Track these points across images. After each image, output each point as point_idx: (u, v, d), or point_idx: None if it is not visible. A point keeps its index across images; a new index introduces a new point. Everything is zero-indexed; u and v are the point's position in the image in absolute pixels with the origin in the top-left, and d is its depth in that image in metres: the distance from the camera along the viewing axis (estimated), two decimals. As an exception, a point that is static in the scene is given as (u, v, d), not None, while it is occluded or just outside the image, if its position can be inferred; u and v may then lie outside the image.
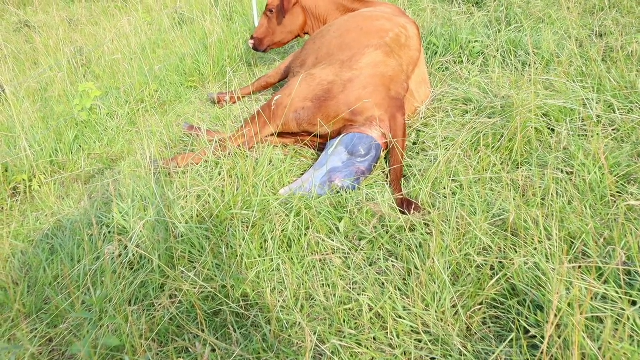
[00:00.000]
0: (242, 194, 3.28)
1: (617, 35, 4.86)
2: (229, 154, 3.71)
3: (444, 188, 3.25)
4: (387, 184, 3.48)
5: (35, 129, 4.77)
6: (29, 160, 4.34)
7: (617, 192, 3.07)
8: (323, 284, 2.77)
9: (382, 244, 2.93)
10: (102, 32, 7.97)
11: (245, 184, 3.35)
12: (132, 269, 3.04)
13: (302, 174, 3.72)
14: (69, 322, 2.73)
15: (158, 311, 2.72)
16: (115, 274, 2.93)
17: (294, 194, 3.33)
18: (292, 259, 2.93)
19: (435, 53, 5.07)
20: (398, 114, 3.71)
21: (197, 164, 3.81)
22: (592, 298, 2.35)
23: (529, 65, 4.55)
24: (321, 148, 3.94)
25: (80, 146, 4.71)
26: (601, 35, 5.15)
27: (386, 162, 3.67)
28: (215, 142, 3.81)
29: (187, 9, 7.78)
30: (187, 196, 3.30)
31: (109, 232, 3.28)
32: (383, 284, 2.70)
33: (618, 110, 3.64)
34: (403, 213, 3.12)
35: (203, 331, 2.57)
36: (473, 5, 6.31)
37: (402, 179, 3.48)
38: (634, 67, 4.29)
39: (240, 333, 2.58)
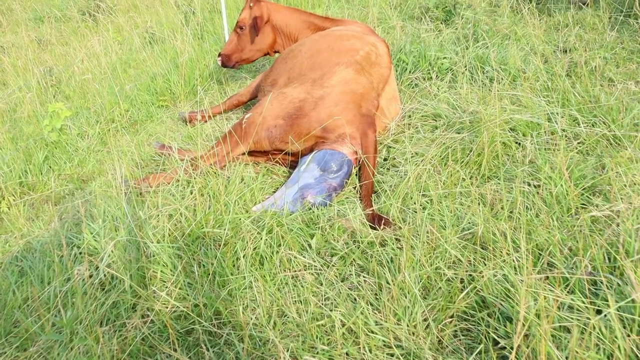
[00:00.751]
0: (214, 212, 3.28)
1: (581, 51, 4.98)
2: (201, 173, 3.71)
3: (414, 203, 3.29)
4: (358, 199, 3.51)
5: (4, 150, 4.72)
6: (-2, 182, 4.30)
7: (582, 205, 3.13)
8: (295, 301, 2.77)
9: (353, 259, 2.96)
10: (72, 51, 7.94)
11: (217, 202, 3.35)
12: (103, 289, 3.02)
13: (275, 192, 3.73)
14: (38, 345, 2.70)
15: (130, 331, 2.70)
16: (86, 295, 2.90)
17: (266, 211, 3.34)
18: (264, 276, 2.94)
19: (405, 70, 5.14)
20: (369, 131, 3.75)
21: (169, 184, 3.80)
22: (558, 308, 2.39)
23: (496, 81, 4.63)
24: (293, 165, 3.96)
25: (50, 167, 4.68)
26: (565, 51, 5.28)
27: (357, 178, 3.70)
28: (187, 161, 3.81)
29: (157, 28, 7.80)
30: (158, 215, 3.30)
31: (80, 253, 3.25)
32: (355, 299, 2.71)
33: (582, 124, 3.72)
34: (374, 228, 3.14)
35: (175, 350, 2.56)
36: (441, 23, 6.42)
37: (373, 195, 3.51)
38: (597, 81, 4.39)
39: (213, 352, 2.58)
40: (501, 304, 2.44)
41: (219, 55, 5.27)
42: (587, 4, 6.16)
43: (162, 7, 8.88)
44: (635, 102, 3.96)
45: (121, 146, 4.79)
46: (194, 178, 3.63)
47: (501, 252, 2.69)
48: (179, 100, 5.82)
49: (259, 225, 3.23)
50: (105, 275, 2.99)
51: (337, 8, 7.98)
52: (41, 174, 4.55)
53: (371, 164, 3.60)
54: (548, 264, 2.69)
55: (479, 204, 3.18)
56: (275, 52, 5.32)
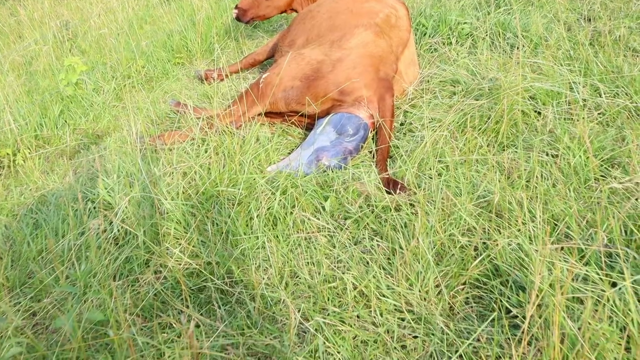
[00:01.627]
0: (228, 171, 3.28)
1: (605, 20, 4.86)
2: (216, 132, 3.70)
3: (430, 169, 3.26)
4: (374, 163, 3.49)
5: (20, 103, 4.72)
6: (13, 135, 4.30)
7: (601, 176, 3.09)
8: (308, 262, 2.78)
9: (367, 223, 2.94)
10: (88, 6, 7.88)
11: (231, 161, 3.34)
12: (117, 244, 3.04)
13: (290, 153, 3.71)
14: (52, 297, 2.73)
15: (142, 287, 2.72)
16: (100, 249, 2.92)
17: (281, 171, 3.33)
18: (277, 236, 2.94)
19: (424, 34, 5.06)
20: (386, 95, 3.71)
21: (184, 142, 3.79)
22: (573, 279, 2.38)
23: (517, 48, 4.55)
24: (309, 127, 3.93)
25: (66, 121, 4.67)
26: (589, 20, 5.16)
27: (373, 142, 3.67)
28: (203, 119, 3.79)
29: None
30: (173, 173, 3.29)
31: (94, 208, 3.27)
32: (367, 262, 2.71)
33: (604, 94, 3.65)
34: (389, 193, 3.13)
35: (187, 307, 2.58)
36: (463, -13, 6.29)
37: (389, 160, 3.48)
38: (621, 51, 4.30)
39: (224, 309, 2.60)
40: (515, 273, 2.43)
41: (236, 7, 5.20)
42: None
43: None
44: (659, 74, 3.88)
45: (137, 102, 4.77)
46: (209, 137, 3.62)
47: (516, 221, 2.67)
48: (195, 58, 5.78)
49: (273, 185, 3.23)
50: (119, 230, 3.00)
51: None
52: (56, 127, 4.55)
53: (388, 128, 3.56)
54: (564, 234, 2.67)
55: (495, 172, 3.15)
56: (293, 10, 5.24)
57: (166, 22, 6.24)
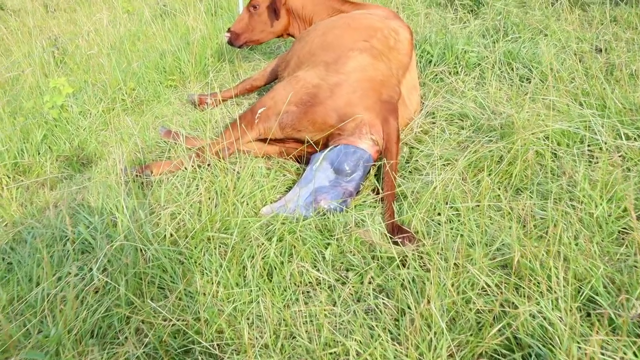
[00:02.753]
0: (220, 212, 3.02)
1: (619, 52, 4.66)
2: (208, 165, 3.45)
3: (439, 214, 3.02)
4: (378, 202, 3.25)
5: (1, 126, 4.45)
6: (-9, 161, 4.04)
7: (624, 229, 2.85)
8: (306, 321, 2.51)
9: (371, 277, 2.69)
10: (80, 18, 7.64)
11: (224, 201, 3.08)
12: (96, 292, 2.76)
13: (287, 191, 3.46)
14: (21, 356, 2.45)
15: (122, 347, 2.45)
16: (77, 299, 2.65)
17: (277, 214, 3.08)
18: (273, 289, 2.68)
19: (430, 62, 4.83)
20: (391, 118, 3.46)
21: (173, 174, 3.54)
22: (602, 354, 2.12)
23: (529, 81, 4.33)
24: (307, 160, 3.68)
25: (49, 147, 4.40)
26: (601, 50, 4.95)
27: (378, 180, 3.42)
28: (194, 151, 3.54)
29: (169, 1, 7.47)
30: (160, 214, 3.03)
31: (73, 250, 3.00)
32: (372, 326, 2.44)
33: (624, 136, 3.42)
34: (395, 243, 2.87)
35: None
36: (469, 12, 6.08)
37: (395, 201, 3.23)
38: (638, 87, 4.08)
39: (212, 376, 2.33)
40: (538, 347, 2.17)
41: (228, 30, 4.96)
42: (624, 0, 5.81)
43: (176, -22, 8.53)
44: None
45: (125, 128, 4.50)
46: (201, 171, 3.37)
47: (538, 284, 2.42)
48: (189, 80, 5.52)
49: (269, 231, 2.97)
50: (99, 280, 2.73)
51: (358, -11, 7.63)
52: (38, 154, 4.28)
53: (394, 153, 3.32)
54: (588, 299, 2.42)
55: (510, 220, 2.90)
56: (289, 35, 5.00)
57: (159, 42, 5.98)
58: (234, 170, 3.45)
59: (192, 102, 4.94)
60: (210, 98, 4.80)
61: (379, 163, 3.47)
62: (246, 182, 3.29)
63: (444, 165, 3.48)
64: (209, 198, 3.18)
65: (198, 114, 4.67)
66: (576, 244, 2.67)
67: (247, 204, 3.17)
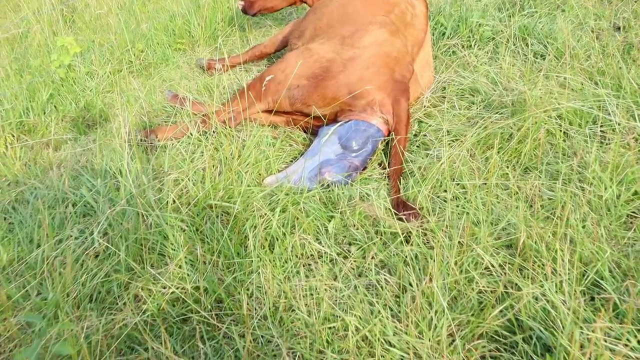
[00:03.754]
0: (224, 180, 2.99)
1: (638, 30, 4.54)
2: (213, 132, 3.40)
3: (445, 191, 2.97)
4: (385, 177, 3.20)
5: (7, 83, 4.40)
6: (-3, 118, 4.00)
7: (633, 213, 2.80)
8: (306, 294, 2.49)
9: (374, 252, 2.65)
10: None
11: (228, 170, 3.05)
12: (96, 256, 2.75)
13: (292, 162, 3.41)
14: (19, 318, 2.44)
15: (120, 313, 2.43)
16: (77, 262, 2.64)
17: (281, 185, 3.04)
18: (274, 261, 2.65)
19: (443, 34, 4.73)
20: (402, 98, 3.40)
21: (179, 140, 3.50)
22: (605, 340, 2.09)
23: (543, 58, 4.23)
24: (315, 132, 3.63)
25: (55, 107, 4.36)
26: (619, 28, 4.83)
27: (385, 155, 3.37)
28: (200, 117, 3.50)
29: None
30: (163, 179, 3.00)
31: (75, 213, 2.98)
32: (373, 302, 2.41)
33: (638, 118, 3.34)
34: (400, 219, 2.83)
35: (167, 348, 2.27)
36: (485, -16, 5.93)
37: (401, 177, 3.19)
38: (656, 68, 3.99)
39: (210, 345, 2.32)
40: (540, 330, 2.15)
41: (241, -1, 4.87)
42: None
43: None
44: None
45: (131, 91, 4.45)
46: (206, 138, 3.33)
47: (543, 266, 2.38)
48: (198, 44, 5.44)
49: (272, 201, 2.94)
50: (99, 244, 2.71)
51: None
52: (44, 114, 4.23)
53: (402, 136, 3.27)
54: (593, 283, 2.38)
55: (518, 200, 2.86)
56: (303, 1, 4.90)
57: (169, 3, 5.88)
58: (240, 138, 3.40)
59: (200, 67, 4.88)
60: (219, 63, 4.73)
61: (388, 138, 3.41)
62: (251, 150, 3.25)
63: (452, 141, 3.42)
64: (213, 166, 3.15)
65: (206, 79, 4.61)
66: (583, 227, 2.62)
67: (252, 174, 3.13)
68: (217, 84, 4.40)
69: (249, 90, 3.61)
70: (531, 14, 5.02)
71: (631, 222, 2.75)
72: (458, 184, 3.01)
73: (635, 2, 5.26)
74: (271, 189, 3.00)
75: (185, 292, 2.49)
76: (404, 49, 3.67)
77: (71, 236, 2.78)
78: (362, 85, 3.37)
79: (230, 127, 3.42)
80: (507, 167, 3.15)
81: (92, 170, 3.33)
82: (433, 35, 4.74)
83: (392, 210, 2.93)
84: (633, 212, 2.81)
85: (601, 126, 3.35)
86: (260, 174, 3.20)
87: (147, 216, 2.75)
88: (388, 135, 3.40)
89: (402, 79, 3.54)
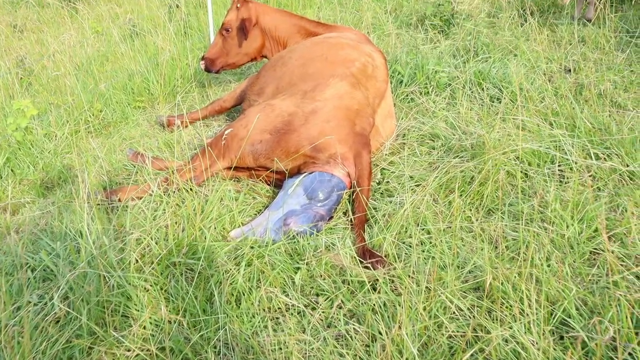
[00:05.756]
0: (187, 237, 2.94)
1: (587, 72, 4.69)
2: (176, 189, 3.37)
3: (410, 237, 2.97)
4: (350, 227, 3.20)
5: (-38, 149, 4.33)
6: (-48, 186, 3.92)
7: (595, 249, 2.84)
8: (275, 349, 2.44)
9: (342, 302, 2.62)
10: (48, 38, 7.53)
11: (191, 226, 3.01)
12: (57, 322, 2.66)
13: (257, 215, 3.39)
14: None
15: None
16: (36, 330, 2.55)
17: (246, 238, 3.01)
18: (240, 316, 2.60)
19: (401, 82, 4.82)
20: (363, 151, 3.42)
21: (140, 199, 3.45)
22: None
23: (499, 101, 4.33)
24: (278, 184, 3.62)
25: (12, 170, 4.28)
26: (569, 71, 4.98)
27: (349, 204, 3.37)
28: (162, 176, 3.46)
29: (139, 21, 7.39)
30: (125, 239, 2.94)
31: (34, 278, 2.89)
32: (343, 354, 2.37)
33: (594, 156, 3.41)
34: (366, 267, 2.82)
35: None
36: (439, 32, 6.09)
37: (366, 225, 3.18)
38: (607, 107, 4.11)
39: (177, 409, 2.24)
40: (512, 372, 2.13)
41: (202, 58, 4.90)
42: (592, 22, 5.87)
43: (146, -2, 8.45)
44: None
45: (90, 151, 4.40)
46: (168, 196, 3.29)
47: (511, 307, 2.38)
48: (158, 101, 5.44)
49: (237, 255, 2.90)
50: (60, 309, 2.62)
51: (329, 10, 7.64)
52: (1, 178, 4.15)
53: (365, 188, 3.28)
54: (561, 322, 2.38)
55: (483, 241, 2.87)
56: (263, 57, 4.96)
57: (127, 62, 5.89)
58: (202, 193, 3.38)
59: (160, 124, 4.86)
60: (178, 119, 4.72)
61: (350, 191, 3.42)
62: (214, 205, 3.22)
63: (415, 186, 3.44)
64: (176, 222, 3.11)
65: (167, 136, 4.59)
66: (548, 266, 2.64)
67: (215, 229, 3.10)
68: (178, 140, 4.39)
69: (211, 148, 3.58)
70: (485, 59, 5.15)
71: (594, 259, 2.78)
72: (423, 229, 3.02)
73: (584, 44, 5.44)
74: (236, 243, 2.97)
75: (150, 354, 2.42)
76: (365, 100, 3.71)
77: (30, 302, 2.69)
78: (324, 139, 3.39)
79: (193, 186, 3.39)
80: (470, 210, 3.18)
81: (51, 233, 3.26)
82: (391, 83, 4.82)
83: (358, 258, 2.92)
84: (595, 249, 2.83)
85: (559, 165, 3.42)
86: (224, 228, 3.17)
87: (109, 277, 2.68)
88: (351, 187, 3.40)
89: (363, 131, 3.56)
